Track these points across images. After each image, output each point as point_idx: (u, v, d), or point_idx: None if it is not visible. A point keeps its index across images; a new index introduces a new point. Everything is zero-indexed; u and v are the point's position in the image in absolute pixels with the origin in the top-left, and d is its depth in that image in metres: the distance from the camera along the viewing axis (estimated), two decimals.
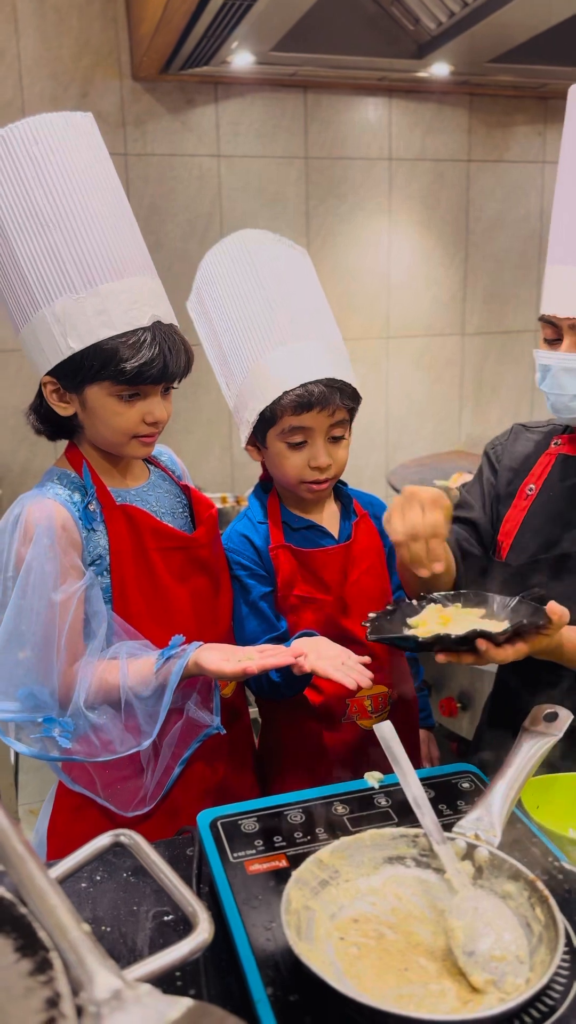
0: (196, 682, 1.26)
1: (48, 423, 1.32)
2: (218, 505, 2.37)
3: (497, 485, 1.47)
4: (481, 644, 1.08)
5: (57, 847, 1.32)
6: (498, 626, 1.12)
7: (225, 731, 1.29)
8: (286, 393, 1.34)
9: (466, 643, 1.08)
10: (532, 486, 1.41)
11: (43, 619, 1.18)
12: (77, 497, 1.26)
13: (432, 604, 1.23)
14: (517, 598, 1.20)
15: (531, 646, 1.13)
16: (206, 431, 3.51)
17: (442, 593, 1.25)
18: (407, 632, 1.17)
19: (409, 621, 1.20)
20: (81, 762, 1.21)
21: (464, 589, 1.29)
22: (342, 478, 1.50)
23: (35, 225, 1.18)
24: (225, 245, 1.43)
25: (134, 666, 1.20)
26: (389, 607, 1.23)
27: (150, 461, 1.44)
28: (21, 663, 1.18)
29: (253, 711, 1.55)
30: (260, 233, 1.43)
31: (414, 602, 1.24)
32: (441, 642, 1.09)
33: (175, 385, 1.30)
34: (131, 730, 1.19)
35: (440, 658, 1.11)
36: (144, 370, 1.20)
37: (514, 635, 1.10)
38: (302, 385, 1.33)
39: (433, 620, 1.18)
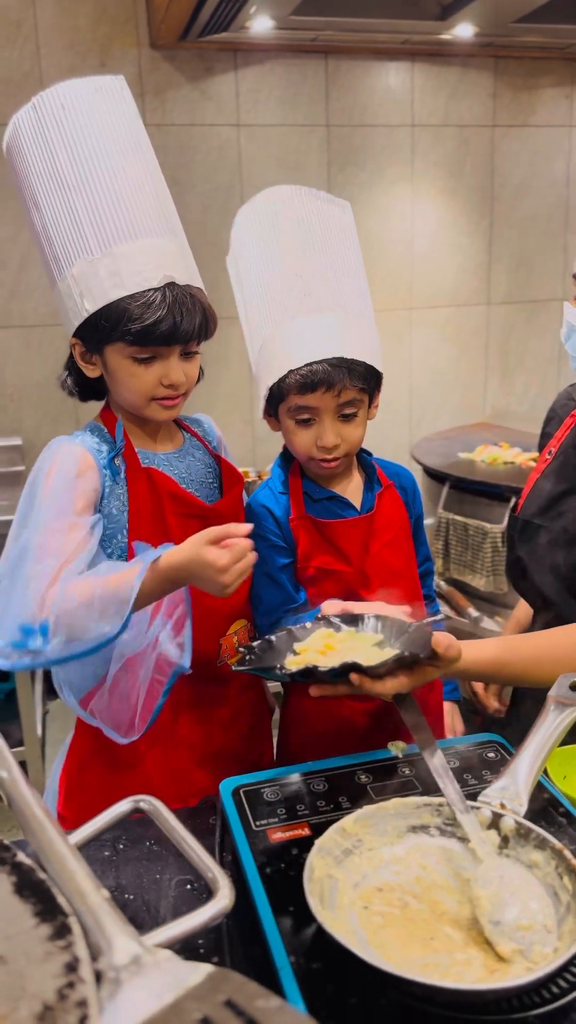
0: (172, 610, 1.24)
1: (78, 385, 1.35)
2: None
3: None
4: (354, 678, 1.00)
5: (64, 797, 1.35)
6: (381, 655, 1.04)
7: (190, 670, 1.23)
8: (291, 372, 1.31)
9: (341, 675, 1.01)
10: (552, 449, 1.39)
11: (49, 543, 1.16)
12: (105, 448, 1.28)
13: (323, 628, 1.13)
14: (415, 625, 1.10)
15: (417, 678, 1.06)
16: (227, 405, 3.49)
17: (340, 616, 1.15)
18: (285, 661, 1.08)
19: (296, 646, 1.11)
20: (62, 664, 1.17)
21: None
22: (368, 448, 1.48)
23: (59, 189, 1.21)
24: (255, 203, 1.40)
25: (113, 568, 1.16)
26: (280, 632, 1.14)
27: (186, 428, 1.43)
28: (23, 588, 1.14)
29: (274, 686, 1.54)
30: (292, 190, 1.38)
31: (307, 624, 1.15)
32: (311, 675, 1.02)
33: (195, 349, 1.28)
34: (104, 617, 1.12)
35: (314, 691, 1.05)
36: (151, 330, 1.20)
37: (397, 666, 1.03)
38: (307, 365, 1.30)
39: (318, 646, 1.10)
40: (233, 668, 1.09)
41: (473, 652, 1.11)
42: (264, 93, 3.28)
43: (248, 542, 1.09)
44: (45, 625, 1.09)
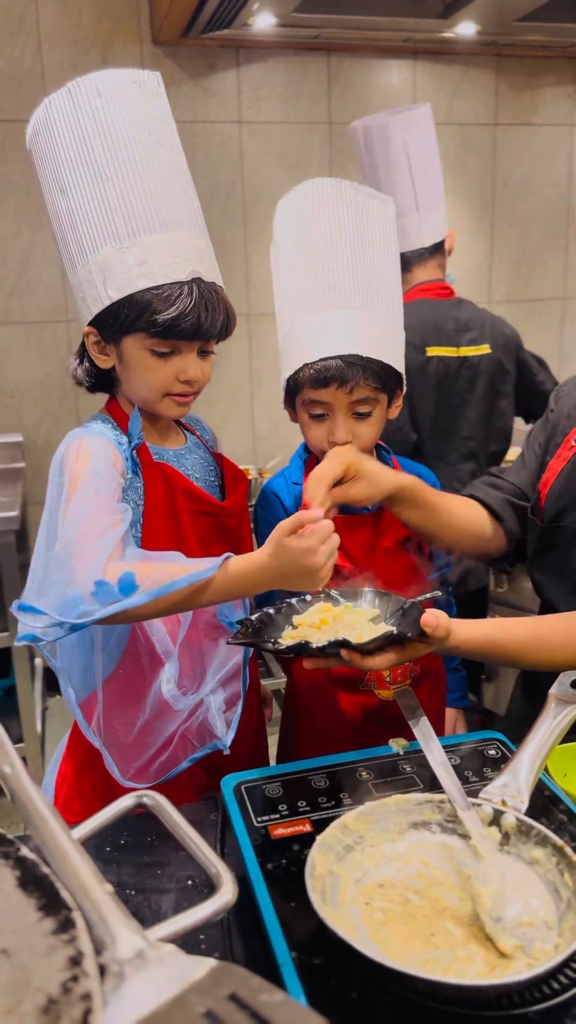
0: (227, 682, 1.25)
1: (89, 375, 1.34)
2: None
3: (547, 430, 1.43)
4: (344, 653, 1.05)
5: (63, 801, 1.34)
6: (374, 631, 1.10)
7: (228, 751, 1.27)
8: (306, 366, 1.31)
9: (331, 648, 1.05)
10: None
11: (95, 526, 1.11)
12: (124, 440, 1.27)
13: (322, 602, 1.19)
14: (410, 602, 1.16)
15: (406, 654, 1.10)
16: (228, 403, 3.49)
17: (339, 590, 1.21)
18: (281, 635, 1.12)
19: (294, 619, 1.16)
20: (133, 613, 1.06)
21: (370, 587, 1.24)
22: (386, 446, 1.48)
23: (91, 175, 1.20)
24: (293, 195, 1.39)
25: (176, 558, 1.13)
26: (281, 604, 1.19)
27: (186, 428, 1.43)
28: (77, 563, 1.07)
29: (275, 682, 1.54)
30: (332, 183, 1.37)
31: (308, 597, 1.19)
32: (302, 651, 1.06)
33: (212, 348, 1.29)
34: (195, 566, 1.07)
35: (306, 664, 1.09)
36: (176, 323, 1.19)
37: (386, 642, 1.07)
38: (321, 360, 1.30)
39: (314, 620, 1.14)
40: (228, 642, 1.10)
41: (465, 631, 1.14)
42: (266, 90, 3.28)
43: (329, 523, 1.06)
44: (128, 575, 1.01)
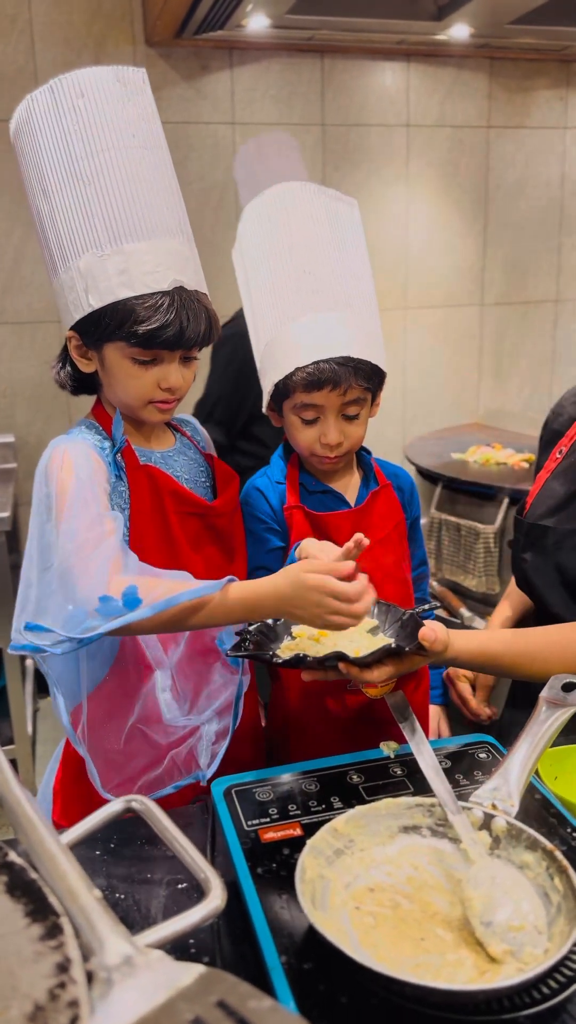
0: (224, 711, 1.26)
1: (71, 379, 1.33)
2: None
3: (539, 452, 1.44)
4: (342, 667, 1.06)
5: (61, 806, 1.33)
6: (372, 643, 1.11)
7: (205, 784, 1.27)
8: (298, 370, 1.31)
9: (330, 661, 1.06)
10: (563, 448, 1.37)
11: (89, 540, 1.12)
12: (107, 445, 1.26)
13: None
14: (409, 613, 1.17)
15: (404, 666, 1.11)
16: None
17: None
18: (279, 647, 1.13)
19: (293, 630, 1.16)
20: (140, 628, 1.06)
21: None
22: (367, 446, 1.48)
23: (72, 179, 1.18)
24: (265, 198, 1.39)
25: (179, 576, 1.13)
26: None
27: (176, 429, 1.43)
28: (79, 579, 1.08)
29: None
30: (301, 186, 1.37)
31: None
32: (301, 663, 1.07)
33: (195, 355, 1.28)
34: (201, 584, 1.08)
35: (305, 676, 1.10)
36: (157, 334, 1.18)
37: (384, 655, 1.07)
38: (314, 363, 1.30)
39: (312, 631, 1.15)
40: (227, 655, 1.11)
41: (463, 642, 1.15)
42: (260, 92, 3.27)
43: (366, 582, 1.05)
44: (132, 589, 1.02)
